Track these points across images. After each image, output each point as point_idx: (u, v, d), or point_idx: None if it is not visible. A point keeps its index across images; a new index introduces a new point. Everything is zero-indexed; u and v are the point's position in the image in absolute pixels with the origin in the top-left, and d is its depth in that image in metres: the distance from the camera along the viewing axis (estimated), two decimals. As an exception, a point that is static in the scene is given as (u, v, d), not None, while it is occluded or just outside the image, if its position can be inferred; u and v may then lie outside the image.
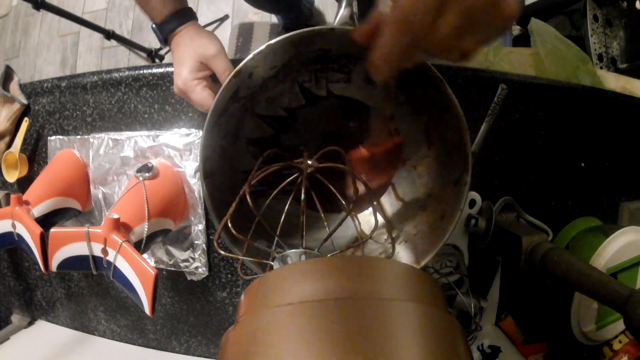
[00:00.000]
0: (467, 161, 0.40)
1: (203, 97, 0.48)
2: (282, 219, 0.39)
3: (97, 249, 0.46)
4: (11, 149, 0.66)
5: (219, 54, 0.48)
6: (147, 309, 0.44)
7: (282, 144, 0.49)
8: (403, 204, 0.49)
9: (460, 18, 0.26)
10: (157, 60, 1.44)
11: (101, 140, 0.62)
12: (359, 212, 0.51)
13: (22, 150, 0.67)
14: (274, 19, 1.42)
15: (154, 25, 0.51)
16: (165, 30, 0.51)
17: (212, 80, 0.50)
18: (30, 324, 0.76)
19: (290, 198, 0.40)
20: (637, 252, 0.56)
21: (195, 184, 0.58)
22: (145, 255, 0.58)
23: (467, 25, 0.27)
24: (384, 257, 0.44)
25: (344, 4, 0.43)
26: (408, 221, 0.48)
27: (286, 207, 0.40)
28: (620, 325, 0.60)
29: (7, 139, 0.67)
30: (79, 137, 0.65)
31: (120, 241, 0.45)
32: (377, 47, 0.30)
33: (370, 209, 0.49)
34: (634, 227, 0.57)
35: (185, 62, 0.49)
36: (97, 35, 1.38)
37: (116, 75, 0.62)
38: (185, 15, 0.51)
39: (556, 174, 0.62)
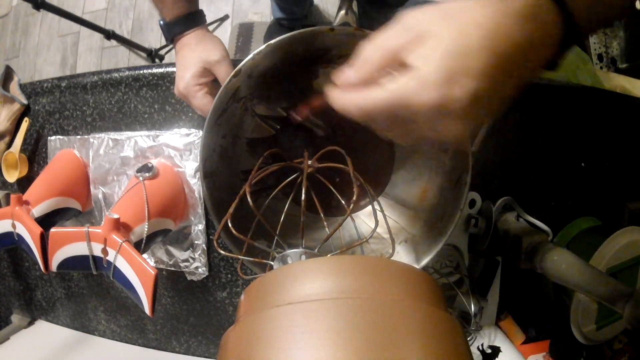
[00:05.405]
0: (467, 161, 0.40)
1: (204, 103, 0.48)
2: (282, 219, 0.39)
3: (97, 249, 0.46)
4: (11, 149, 0.66)
5: (223, 60, 0.48)
6: (147, 309, 0.44)
7: (282, 144, 0.49)
8: (403, 204, 0.49)
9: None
10: (157, 60, 1.44)
11: (101, 140, 0.62)
12: (358, 210, 0.51)
13: (22, 150, 0.67)
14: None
15: (161, 22, 0.51)
16: (173, 32, 0.50)
17: (214, 85, 0.50)
18: (30, 324, 0.76)
19: (290, 198, 0.40)
20: (637, 252, 0.56)
21: (195, 184, 0.58)
22: (145, 255, 0.58)
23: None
24: (384, 257, 0.44)
25: (344, 5, 0.43)
26: (408, 221, 0.48)
27: (286, 207, 0.40)
28: (620, 325, 0.59)
29: (7, 139, 0.67)
30: (79, 137, 0.65)
31: (120, 241, 0.45)
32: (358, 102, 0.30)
33: (370, 209, 0.49)
34: (634, 227, 0.57)
35: (189, 66, 0.48)
36: (97, 35, 1.38)
37: (116, 75, 0.62)
38: (195, 19, 0.51)
39: (556, 174, 0.62)
